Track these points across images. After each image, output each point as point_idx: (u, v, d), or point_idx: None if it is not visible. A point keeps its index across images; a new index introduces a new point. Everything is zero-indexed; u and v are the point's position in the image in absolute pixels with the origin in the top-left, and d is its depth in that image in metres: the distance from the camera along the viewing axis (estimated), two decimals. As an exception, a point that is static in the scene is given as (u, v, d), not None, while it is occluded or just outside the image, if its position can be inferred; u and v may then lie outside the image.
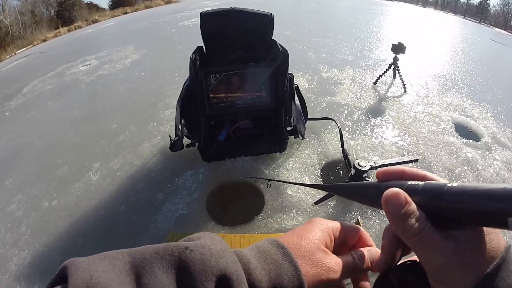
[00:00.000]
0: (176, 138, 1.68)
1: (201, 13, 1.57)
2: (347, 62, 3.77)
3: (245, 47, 1.67)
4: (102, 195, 1.75)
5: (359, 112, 2.49)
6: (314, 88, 2.95)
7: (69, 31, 11.40)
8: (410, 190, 0.28)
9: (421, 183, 0.28)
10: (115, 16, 13.02)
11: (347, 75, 3.33)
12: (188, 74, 1.63)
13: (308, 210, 1.52)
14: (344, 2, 10.68)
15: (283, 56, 1.59)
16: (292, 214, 1.51)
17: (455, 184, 0.25)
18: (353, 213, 1.50)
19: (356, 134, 2.19)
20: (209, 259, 0.24)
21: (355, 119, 2.38)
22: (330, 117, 2.22)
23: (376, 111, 2.53)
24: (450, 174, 1.84)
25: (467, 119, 2.55)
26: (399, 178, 0.31)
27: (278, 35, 1.70)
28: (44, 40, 10.61)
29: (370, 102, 2.69)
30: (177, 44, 5.01)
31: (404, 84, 2.89)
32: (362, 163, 1.47)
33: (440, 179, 0.29)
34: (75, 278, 0.21)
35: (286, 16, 6.81)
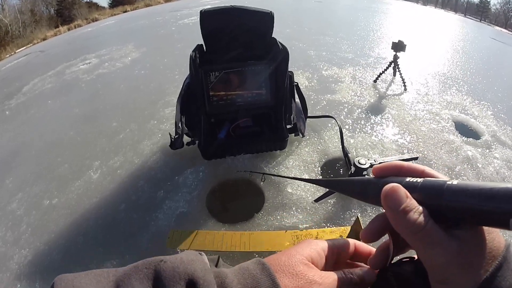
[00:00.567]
0: (176, 136, 1.68)
1: (201, 11, 1.56)
2: (347, 60, 3.77)
3: (245, 45, 1.67)
4: (103, 193, 1.76)
5: (359, 110, 2.49)
6: (314, 86, 2.95)
7: (69, 29, 11.39)
8: (409, 187, 0.27)
9: (420, 180, 0.27)
10: (114, 14, 13.00)
11: (347, 73, 3.32)
12: (188, 72, 1.63)
13: (308, 208, 1.53)
14: (344, 0, 10.65)
15: (283, 54, 1.59)
16: (292, 212, 1.51)
17: (455, 181, 0.24)
18: (353, 210, 1.51)
19: (356, 132, 2.18)
20: (178, 266, 0.26)
21: (355, 117, 2.38)
22: (330, 115, 2.21)
23: (376, 109, 2.53)
24: (450, 172, 1.85)
25: (467, 117, 2.55)
26: (397, 173, 0.30)
27: (278, 33, 1.70)
28: (44, 39, 10.60)
29: (370, 100, 2.69)
30: (177, 42, 5.00)
31: (404, 82, 2.88)
32: (362, 161, 1.47)
33: (439, 175, 0.28)
34: None
35: (286, 14, 6.80)
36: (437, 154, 1.99)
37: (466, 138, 2.22)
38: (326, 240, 0.35)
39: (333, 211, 1.52)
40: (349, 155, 1.77)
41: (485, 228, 0.25)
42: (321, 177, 1.76)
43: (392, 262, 0.31)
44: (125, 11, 13.02)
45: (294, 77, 1.77)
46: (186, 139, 1.80)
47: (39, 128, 2.76)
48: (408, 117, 2.43)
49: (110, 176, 1.88)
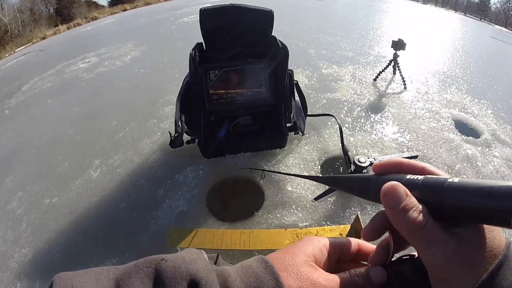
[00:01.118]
0: (176, 134, 1.68)
1: (200, 9, 1.56)
2: (347, 59, 3.76)
3: (245, 44, 1.66)
4: (103, 192, 1.76)
5: (359, 108, 2.49)
6: (314, 85, 2.95)
7: (68, 28, 11.38)
8: (409, 185, 0.27)
9: (420, 177, 0.27)
10: (114, 13, 12.97)
11: (347, 71, 3.32)
12: (188, 71, 1.62)
13: (308, 206, 1.53)
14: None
15: (283, 53, 1.59)
16: (292, 210, 1.51)
17: (456, 179, 0.24)
18: (352, 209, 1.51)
19: (356, 130, 2.18)
20: (180, 266, 0.25)
21: (355, 115, 2.38)
22: (330, 113, 2.22)
23: (376, 107, 2.53)
24: (450, 171, 1.85)
25: (467, 116, 2.55)
26: (397, 171, 0.30)
27: (278, 32, 1.69)
28: (44, 38, 10.59)
29: (370, 98, 2.69)
30: (177, 40, 4.99)
31: (404, 81, 2.88)
32: (362, 159, 1.47)
33: (440, 172, 0.28)
34: (57, 287, 0.23)
35: (286, 12, 6.78)
36: (436, 153, 1.99)
37: (466, 137, 2.22)
38: (328, 237, 0.34)
39: (333, 209, 1.52)
40: (349, 153, 1.77)
41: (486, 226, 0.25)
42: (320, 175, 1.76)
43: (392, 259, 0.30)
44: (125, 10, 12.98)
45: (294, 76, 1.77)
46: (186, 137, 1.80)
47: (39, 127, 2.76)
48: (408, 116, 2.43)
49: (110, 175, 1.88)
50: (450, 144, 2.10)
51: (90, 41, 6.68)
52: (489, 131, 2.33)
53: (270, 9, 1.62)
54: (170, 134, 1.73)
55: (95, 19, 12.01)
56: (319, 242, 0.33)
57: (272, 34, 1.69)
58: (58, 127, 2.65)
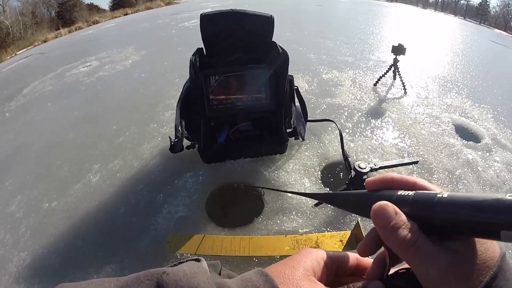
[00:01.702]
0: (176, 139, 1.67)
1: (201, 15, 1.57)
2: (347, 64, 3.77)
3: (245, 49, 1.67)
4: (102, 196, 1.75)
5: (359, 113, 2.49)
6: (314, 90, 2.95)
7: (69, 32, 11.43)
8: (400, 201, 0.27)
9: (411, 193, 0.27)
10: (115, 17, 13.06)
11: (347, 76, 3.33)
12: (188, 76, 1.63)
13: (308, 212, 1.52)
14: (344, 3, 10.70)
15: (283, 58, 1.59)
16: (292, 216, 1.51)
17: (445, 194, 0.25)
18: (353, 215, 1.50)
19: (356, 135, 2.18)
20: (181, 279, 0.26)
21: (355, 120, 2.38)
22: (330, 118, 2.22)
23: (376, 112, 2.53)
24: (451, 176, 1.84)
25: (467, 120, 2.55)
26: (389, 186, 0.30)
27: (278, 37, 1.70)
28: (45, 41, 10.63)
29: (370, 103, 2.69)
30: (177, 45, 5.01)
31: (404, 86, 2.89)
32: (362, 165, 1.47)
33: (431, 186, 0.28)
34: None
35: (286, 17, 6.82)
36: (437, 158, 1.98)
37: (466, 142, 2.22)
38: (326, 250, 0.35)
39: (333, 215, 1.51)
40: (349, 159, 1.77)
41: (477, 239, 0.25)
42: (321, 181, 1.75)
43: (389, 273, 0.31)
44: (126, 14, 13.08)
45: (294, 81, 1.77)
46: (186, 142, 1.80)
47: (39, 130, 2.76)
48: (408, 121, 2.43)
49: (109, 180, 1.88)
50: (450, 149, 2.09)
51: (91, 45, 6.71)
52: (489, 136, 2.33)
53: (270, 15, 1.62)
54: (170, 139, 1.73)
55: (97, 23, 12.08)
56: (317, 255, 0.33)
57: (272, 39, 1.70)
58: (58, 130, 2.65)
